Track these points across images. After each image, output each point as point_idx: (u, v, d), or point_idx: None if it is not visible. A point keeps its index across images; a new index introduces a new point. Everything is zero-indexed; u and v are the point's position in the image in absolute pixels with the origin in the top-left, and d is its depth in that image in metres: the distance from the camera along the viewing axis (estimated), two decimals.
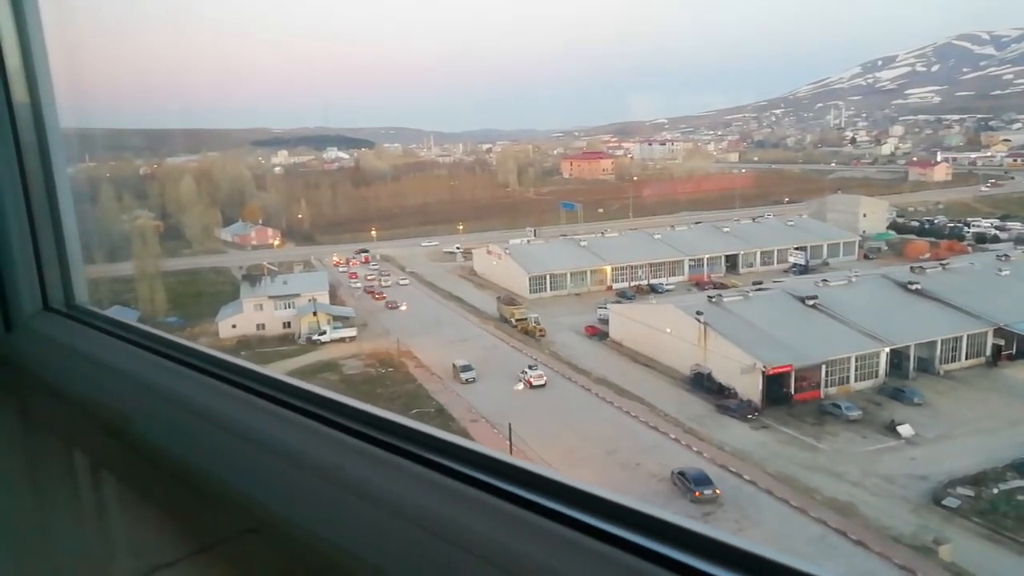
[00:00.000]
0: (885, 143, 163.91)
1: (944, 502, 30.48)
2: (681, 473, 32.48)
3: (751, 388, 41.27)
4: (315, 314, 54.39)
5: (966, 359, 45.43)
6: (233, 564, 2.00)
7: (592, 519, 1.47)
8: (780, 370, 41.16)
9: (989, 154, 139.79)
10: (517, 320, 55.53)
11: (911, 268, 55.65)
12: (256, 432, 2.18)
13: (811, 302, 48.80)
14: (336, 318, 55.13)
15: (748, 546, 1.31)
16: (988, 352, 45.85)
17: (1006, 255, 59.03)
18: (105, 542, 2.40)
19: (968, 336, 45.65)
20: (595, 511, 1.49)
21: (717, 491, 31.41)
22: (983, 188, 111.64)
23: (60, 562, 2.19)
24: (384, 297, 64.70)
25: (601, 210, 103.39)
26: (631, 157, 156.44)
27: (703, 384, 43.42)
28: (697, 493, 31.00)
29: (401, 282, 70.98)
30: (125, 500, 2.56)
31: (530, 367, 45.56)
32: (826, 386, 42.05)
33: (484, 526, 1.60)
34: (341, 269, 77.13)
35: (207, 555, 2.02)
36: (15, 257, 3.39)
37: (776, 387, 41.19)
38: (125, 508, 2.53)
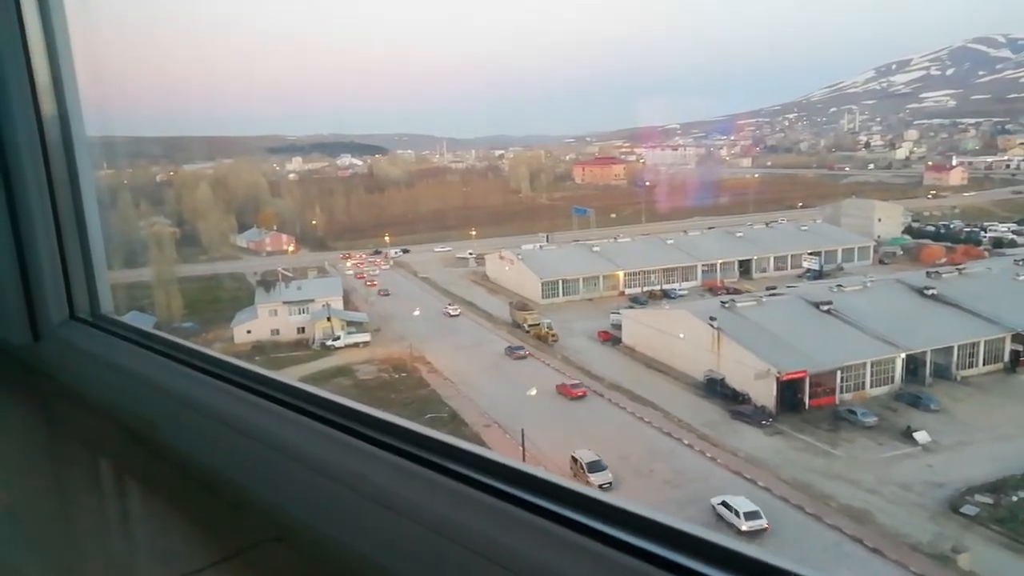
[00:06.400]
0: (900, 147, 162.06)
1: (962, 510, 30.07)
2: (513, 346, 50.82)
3: (765, 394, 40.95)
4: (329, 319, 54.56)
5: (983, 365, 44.83)
6: (258, 572, 2.02)
7: (615, 531, 1.49)
8: (794, 376, 40.82)
9: (1006, 158, 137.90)
10: (530, 325, 55.42)
11: (927, 273, 55.02)
12: (281, 441, 2.21)
13: (825, 307, 48.37)
14: (350, 323, 55.28)
15: (747, 550, 1.34)
16: (1006, 358, 45.22)
17: None
18: (131, 549, 2.43)
19: (985, 342, 45.04)
20: (617, 522, 1.50)
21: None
22: (927, 199, 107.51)
23: (86, 569, 2.22)
24: (375, 285, 70.37)
25: (614, 215, 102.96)
26: (643, 162, 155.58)
27: (717, 390, 43.13)
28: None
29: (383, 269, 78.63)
30: (151, 508, 2.59)
31: (449, 304, 61.11)
32: (841, 392, 41.64)
33: (505, 535, 1.61)
34: (349, 262, 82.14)
35: (232, 563, 2.04)
36: (43, 267, 3.45)
37: (790, 393, 40.85)
38: (151, 516, 2.55)
